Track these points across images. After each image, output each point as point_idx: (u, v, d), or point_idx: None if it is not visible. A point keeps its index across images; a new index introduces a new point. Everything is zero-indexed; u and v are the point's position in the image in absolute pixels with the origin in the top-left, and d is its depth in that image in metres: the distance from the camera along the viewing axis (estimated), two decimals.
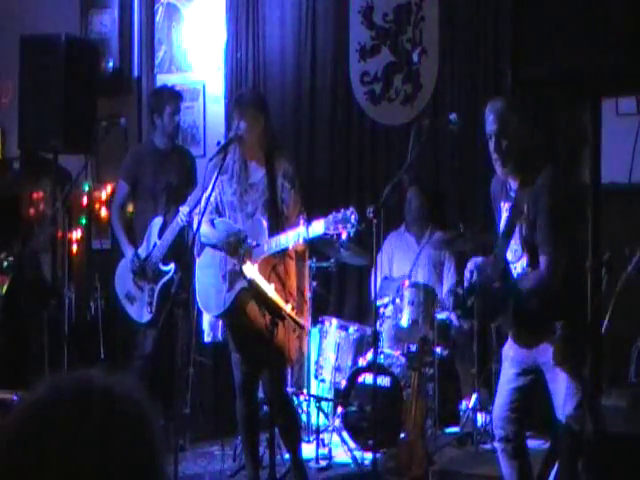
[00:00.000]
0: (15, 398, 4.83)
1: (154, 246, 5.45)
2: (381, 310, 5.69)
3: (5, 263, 6.49)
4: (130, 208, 5.91)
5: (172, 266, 5.43)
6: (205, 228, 4.44)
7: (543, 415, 3.84)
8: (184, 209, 5.13)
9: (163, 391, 5.29)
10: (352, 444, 5.38)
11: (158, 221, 5.46)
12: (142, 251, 5.51)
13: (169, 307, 4.49)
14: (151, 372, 5.40)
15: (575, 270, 3.65)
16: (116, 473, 1.11)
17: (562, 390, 3.59)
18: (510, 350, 3.83)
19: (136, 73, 7.32)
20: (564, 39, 2.41)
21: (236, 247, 4.34)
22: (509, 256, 3.76)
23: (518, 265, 3.74)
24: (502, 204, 3.82)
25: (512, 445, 3.78)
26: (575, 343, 3.60)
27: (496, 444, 3.92)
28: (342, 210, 4.05)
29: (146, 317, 5.50)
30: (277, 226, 4.33)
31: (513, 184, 3.77)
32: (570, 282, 3.65)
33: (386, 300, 5.72)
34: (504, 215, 3.80)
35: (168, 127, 5.57)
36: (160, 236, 5.44)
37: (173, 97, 5.64)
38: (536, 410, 4.04)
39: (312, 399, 5.52)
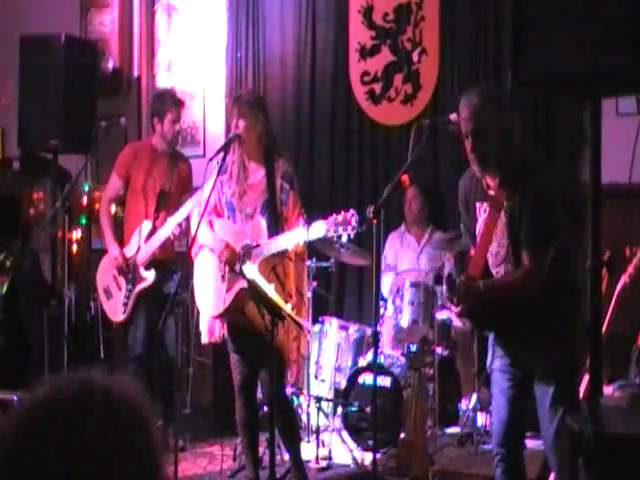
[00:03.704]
0: (15, 398, 4.83)
1: (138, 249, 5.41)
2: (381, 310, 5.70)
3: (5, 263, 6.49)
4: (119, 205, 5.85)
5: (153, 272, 5.37)
6: (204, 231, 4.44)
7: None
8: (172, 220, 5.11)
9: (163, 391, 5.28)
10: (352, 444, 5.38)
11: (147, 225, 5.39)
12: (127, 251, 5.48)
13: (168, 307, 4.48)
14: (145, 373, 5.38)
15: (567, 276, 3.44)
16: (116, 473, 1.11)
17: (547, 409, 3.43)
18: (497, 361, 3.60)
19: (136, 73, 7.33)
20: (564, 39, 2.41)
21: (231, 264, 4.34)
22: (489, 260, 3.50)
23: (501, 269, 3.48)
24: (478, 205, 3.54)
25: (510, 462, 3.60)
26: (566, 356, 3.42)
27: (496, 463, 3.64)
28: (343, 212, 4.05)
29: (119, 317, 5.45)
30: (276, 227, 4.33)
31: (492, 182, 3.48)
32: (560, 290, 3.41)
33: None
34: (483, 216, 3.52)
35: (167, 134, 5.48)
36: (147, 241, 5.40)
37: (175, 104, 5.53)
38: (536, 410, 4.01)
39: (312, 399, 5.52)
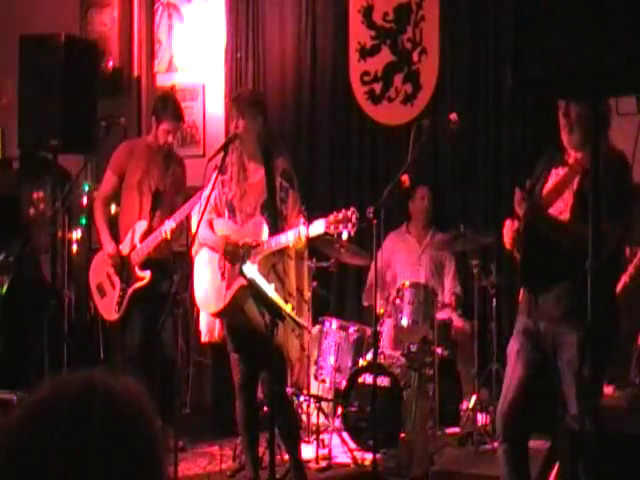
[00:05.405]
0: (15, 398, 4.83)
1: (133, 248, 5.40)
2: (381, 310, 5.69)
3: (5, 263, 6.49)
4: (115, 202, 5.83)
5: (148, 273, 5.35)
6: (204, 230, 4.44)
7: (543, 415, 3.82)
8: (170, 224, 5.11)
9: (162, 391, 5.28)
10: (352, 444, 5.38)
11: (142, 224, 5.38)
12: (123, 249, 5.46)
13: (168, 308, 4.48)
14: (141, 373, 5.37)
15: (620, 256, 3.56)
16: (118, 473, 1.10)
17: (573, 392, 3.41)
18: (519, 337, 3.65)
19: (136, 73, 7.32)
20: (564, 39, 2.41)
21: (233, 258, 4.33)
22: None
23: None
24: (554, 170, 3.68)
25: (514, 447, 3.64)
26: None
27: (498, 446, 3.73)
28: (343, 210, 4.06)
29: (112, 315, 5.44)
30: (277, 225, 4.33)
31: (572, 152, 3.62)
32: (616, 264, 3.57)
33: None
34: (554, 179, 3.65)
35: (160, 139, 5.44)
36: (142, 241, 5.37)
37: (175, 118, 5.45)
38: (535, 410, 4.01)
39: (312, 399, 5.51)
